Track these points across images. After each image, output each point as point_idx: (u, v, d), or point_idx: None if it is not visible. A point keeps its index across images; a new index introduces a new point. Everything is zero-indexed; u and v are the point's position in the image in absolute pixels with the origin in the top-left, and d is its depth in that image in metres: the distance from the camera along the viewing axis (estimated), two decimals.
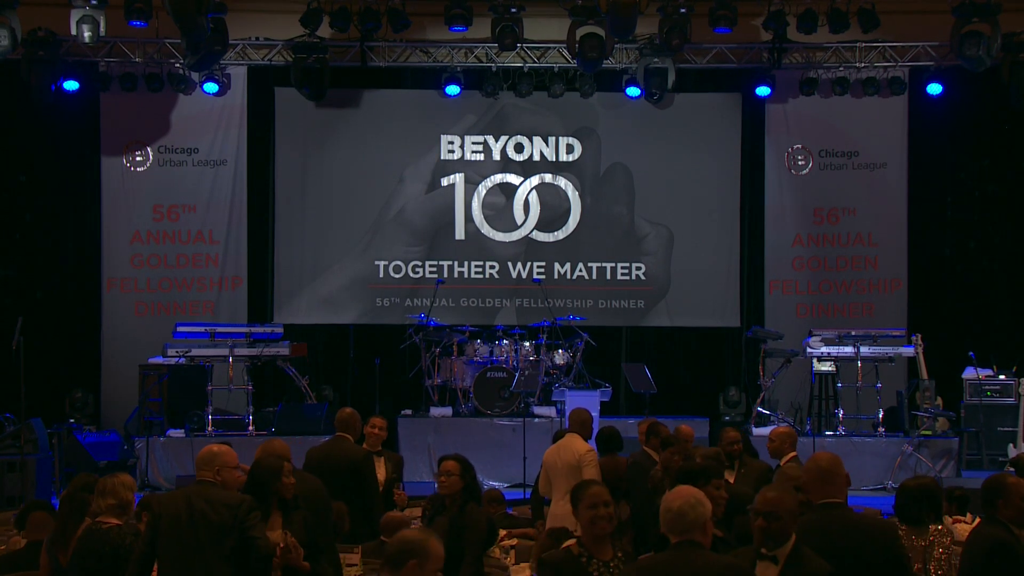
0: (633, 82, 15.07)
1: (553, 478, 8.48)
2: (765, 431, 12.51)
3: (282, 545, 5.79)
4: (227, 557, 5.65)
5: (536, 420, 13.67)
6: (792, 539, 4.71)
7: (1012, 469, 9.85)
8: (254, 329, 14.12)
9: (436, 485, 6.71)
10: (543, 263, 15.76)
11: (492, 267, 15.75)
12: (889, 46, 15.10)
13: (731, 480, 7.89)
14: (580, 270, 15.80)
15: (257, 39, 15.06)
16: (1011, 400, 13.82)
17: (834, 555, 4.82)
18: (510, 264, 15.77)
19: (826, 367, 14.34)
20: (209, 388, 13.70)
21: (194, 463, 6.04)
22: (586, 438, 8.70)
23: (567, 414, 13.19)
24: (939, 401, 14.02)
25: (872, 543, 5.01)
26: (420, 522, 8.16)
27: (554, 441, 9.45)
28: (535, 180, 15.83)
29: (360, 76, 15.42)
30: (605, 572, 5.02)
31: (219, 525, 5.66)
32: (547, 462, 8.61)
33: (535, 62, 15.24)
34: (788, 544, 4.69)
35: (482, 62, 15.25)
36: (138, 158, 15.43)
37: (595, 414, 12.44)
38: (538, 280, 15.45)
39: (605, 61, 14.28)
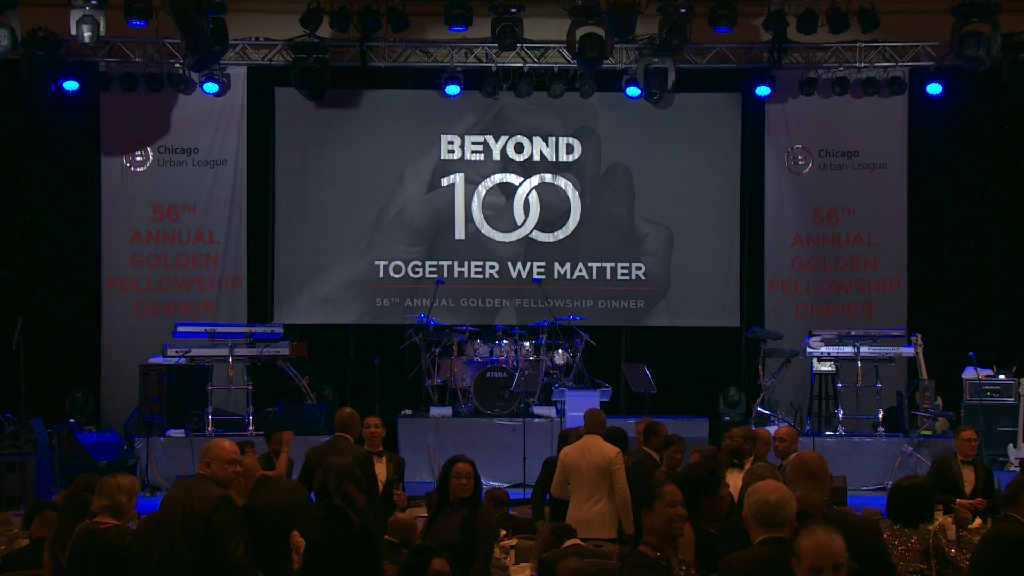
0: (633, 82, 15.07)
1: (575, 480, 8.34)
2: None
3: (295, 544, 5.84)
4: (195, 552, 5.66)
5: (536, 420, 13.67)
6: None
7: (1015, 470, 9.89)
8: (254, 329, 14.13)
9: (450, 487, 6.67)
10: (543, 263, 15.76)
11: (492, 267, 15.75)
12: (889, 46, 15.10)
13: (740, 480, 7.83)
14: (580, 270, 15.80)
15: (257, 39, 15.06)
16: (1011, 400, 13.82)
17: None
18: (510, 264, 15.77)
19: (826, 367, 14.34)
20: (209, 388, 13.71)
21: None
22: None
23: (567, 414, 13.26)
24: (939, 401, 14.02)
25: (853, 540, 4.94)
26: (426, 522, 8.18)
27: (561, 442, 9.43)
28: (535, 180, 15.83)
29: (360, 76, 15.42)
30: (686, 575, 4.93)
31: (192, 519, 5.68)
32: (568, 464, 8.42)
33: (535, 62, 15.24)
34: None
35: (482, 62, 15.25)
36: (138, 158, 15.43)
37: None
38: (538, 280, 15.45)
39: (605, 61, 14.28)
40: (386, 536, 7.18)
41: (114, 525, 5.80)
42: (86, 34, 13.28)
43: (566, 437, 9.30)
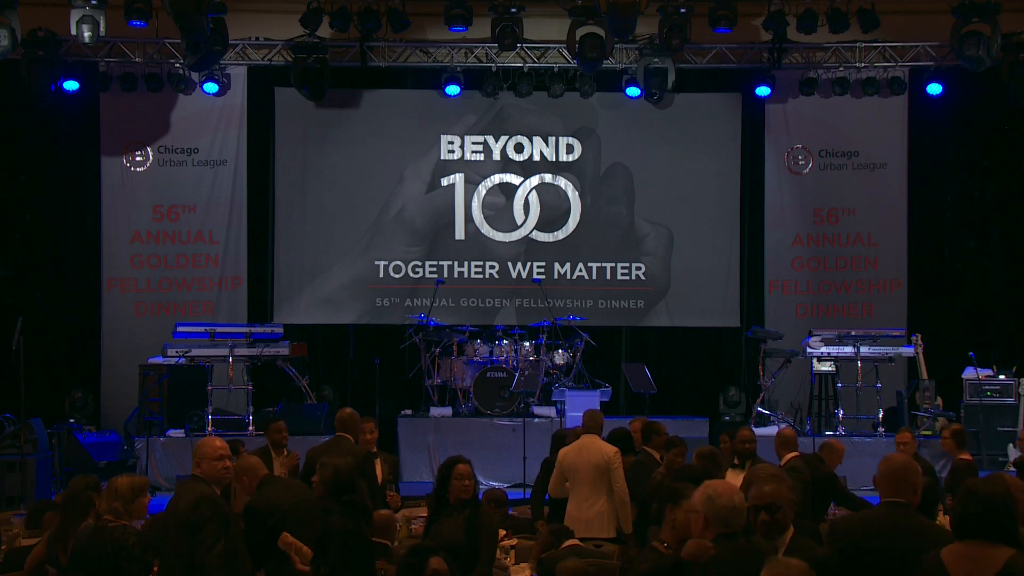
0: (633, 82, 15.06)
1: (574, 480, 8.34)
2: (765, 431, 12.55)
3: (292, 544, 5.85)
4: (184, 554, 5.67)
5: (536, 420, 13.67)
6: (791, 530, 4.74)
7: (1014, 470, 9.87)
8: (254, 329, 14.13)
9: (451, 488, 6.67)
10: (543, 263, 15.76)
11: (492, 267, 15.75)
12: (889, 46, 15.10)
13: (740, 480, 7.84)
14: (580, 270, 15.80)
15: (257, 39, 15.06)
16: (1011, 400, 13.82)
17: (884, 552, 4.75)
18: (510, 264, 15.76)
19: (826, 367, 14.35)
20: (209, 388, 13.71)
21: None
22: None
23: (567, 414, 13.25)
24: (939, 401, 14.02)
25: (926, 548, 4.76)
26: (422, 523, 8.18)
27: (555, 442, 9.43)
28: (535, 180, 15.83)
29: (360, 76, 15.42)
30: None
31: (178, 521, 5.70)
32: (567, 464, 8.43)
33: (535, 62, 15.24)
34: (787, 534, 4.73)
35: (482, 62, 15.25)
36: (138, 158, 15.43)
37: None
38: (538, 280, 15.45)
39: (605, 61, 14.28)
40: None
41: (120, 524, 5.80)
42: (86, 34, 13.28)
43: (562, 438, 9.30)
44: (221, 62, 14.72)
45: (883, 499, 5.03)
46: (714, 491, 4.69)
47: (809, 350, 14.08)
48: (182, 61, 14.65)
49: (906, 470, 5.03)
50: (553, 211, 15.80)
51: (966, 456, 9.16)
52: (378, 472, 8.49)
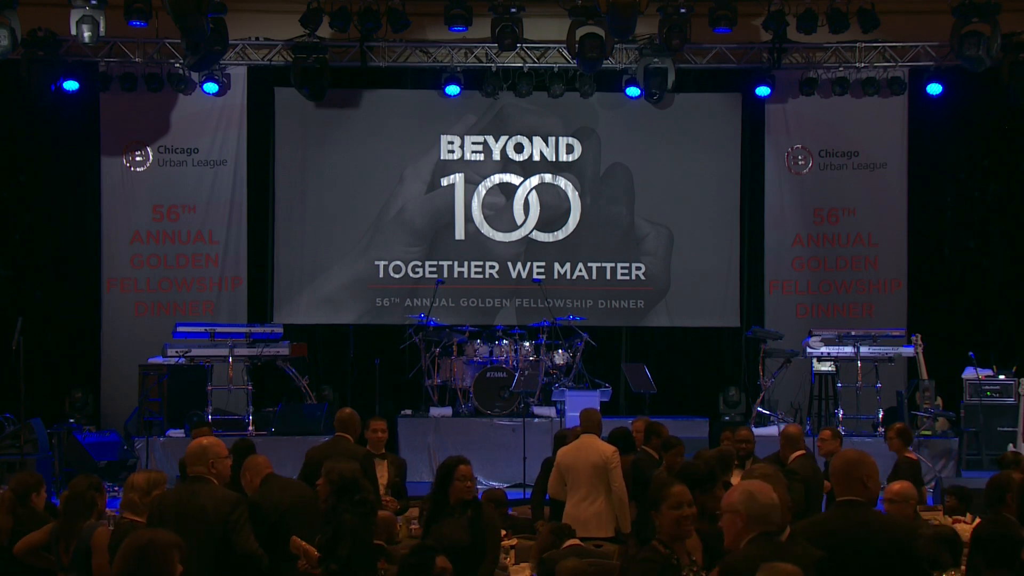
0: (633, 82, 15.07)
1: (572, 480, 8.35)
2: (765, 431, 12.57)
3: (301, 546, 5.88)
4: (213, 555, 5.67)
5: (536, 420, 13.67)
6: (787, 531, 4.72)
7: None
8: (254, 329, 14.12)
9: (453, 489, 6.67)
10: (543, 263, 15.76)
11: (492, 267, 15.75)
12: (889, 46, 15.10)
13: (738, 480, 7.84)
14: (580, 270, 15.80)
15: (257, 39, 15.06)
16: (1011, 400, 13.81)
17: (845, 552, 4.77)
18: (510, 264, 15.77)
19: (826, 367, 14.34)
20: (209, 388, 13.71)
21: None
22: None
23: (567, 414, 13.26)
24: (939, 401, 14.02)
25: (885, 543, 4.85)
26: (418, 524, 8.18)
27: (556, 442, 9.44)
28: (535, 180, 15.83)
29: (360, 76, 15.42)
30: (695, 574, 4.96)
31: (208, 521, 5.68)
32: (565, 464, 8.44)
33: (535, 62, 15.24)
34: (783, 535, 4.71)
35: (482, 62, 15.25)
36: (138, 158, 15.43)
37: None
38: (538, 280, 15.45)
39: (605, 61, 14.28)
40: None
41: (125, 519, 5.82)
42: (86, 34, 13.28)
43: (563, 438, 9.30)
44: (221, 62, 14.72)
45: (837, 498, 5.06)
46: (755, 488, 4.54)
47: (809, 350, 14.08)
48: (182, 61, 14.65)
49: (853, 466, 5.02)
50: (553, 211, 15.80)
51: (911, 455, 9.38)
52: (382, 474, 8.46)
